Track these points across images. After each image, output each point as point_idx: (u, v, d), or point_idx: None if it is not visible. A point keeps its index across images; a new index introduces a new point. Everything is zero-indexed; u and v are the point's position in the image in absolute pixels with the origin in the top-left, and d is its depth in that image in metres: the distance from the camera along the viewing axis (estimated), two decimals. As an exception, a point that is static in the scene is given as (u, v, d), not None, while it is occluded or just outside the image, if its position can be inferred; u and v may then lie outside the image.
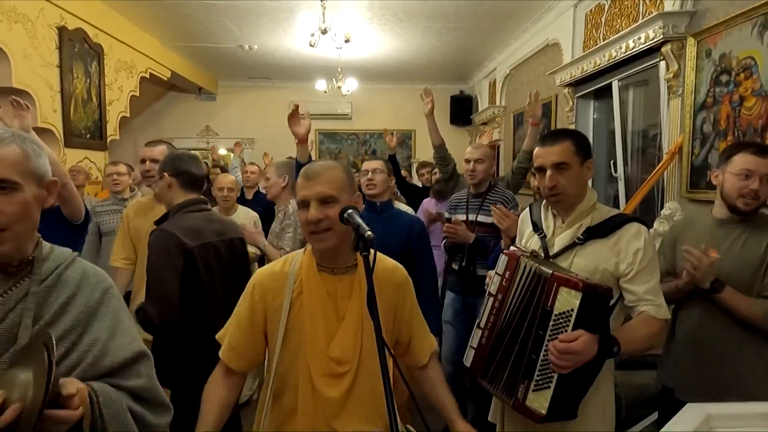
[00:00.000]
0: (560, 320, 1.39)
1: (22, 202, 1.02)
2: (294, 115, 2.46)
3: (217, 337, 1.42)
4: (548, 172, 1.57)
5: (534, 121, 3.35)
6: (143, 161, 2.51)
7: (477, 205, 2.87)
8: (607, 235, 1.53)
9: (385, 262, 1.45)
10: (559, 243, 1.60)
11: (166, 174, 2.02)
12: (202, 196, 2.11)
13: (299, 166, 2.41)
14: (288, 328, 1.32)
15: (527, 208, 1.82)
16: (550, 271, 1.40)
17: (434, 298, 2.55)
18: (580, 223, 1.58)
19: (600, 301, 1.38)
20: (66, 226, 2.32)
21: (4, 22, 3.47)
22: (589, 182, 4.30)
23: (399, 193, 4.97)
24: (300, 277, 1.35)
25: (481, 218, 2.81)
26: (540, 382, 1.42)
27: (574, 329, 1.36)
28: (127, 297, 2.58)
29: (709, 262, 1.68)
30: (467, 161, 2.89)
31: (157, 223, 2.02)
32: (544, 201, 1.71)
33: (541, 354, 1.41)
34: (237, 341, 1.38)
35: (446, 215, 3.03)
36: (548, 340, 1.39)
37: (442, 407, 1.44)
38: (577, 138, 1.61)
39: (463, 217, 2.90)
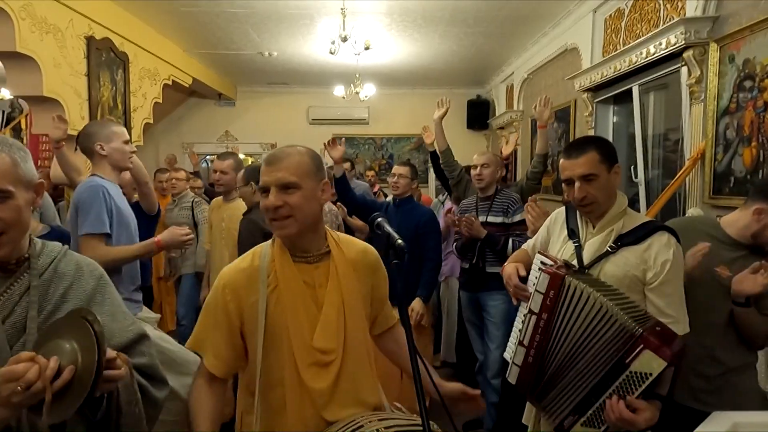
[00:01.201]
0: (634, 378, 1.34)
1: (16, 207, 1.08)
2: (332, 143, 3.20)
3: (188, 345, 1.36)
4: (577, 184, 1.56)
5: (540, 124, 3.43)
6: (215, 171, 3.34)
7: (486, 207, 3.06)
8: (638, 243, 1.53)
9: (355, 244, 1.45)
10: (589, 248, 1.60)
11: (252, 183, 2.82)
12: None
13: (335, 181, 3.10)
14: (267, 324, 1.27)
15: (562, 209, 1.79)
16: (641, 330, 1.33)
17: (435, 272, 3.08)
18: (612, 227, 1.58)
19: (678, 365, 1.35)
20: (145, 217, 2.89)
21: (36, 33, 3.58)
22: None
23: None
24: (273, 269, 1.30)
25: (490, 219, 3.01)
26: (591, 422, 1.41)
27: (644, 392, 1.33)
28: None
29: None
30: (474, 167, 3.08)
31: (245, 214, 2.91)
32: None
33: (601, 399, 1.39)
34: (219, 347, 1.31)
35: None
36: (613, 390, 1.37)
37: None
38: (601, 146, 1.60)
39: None
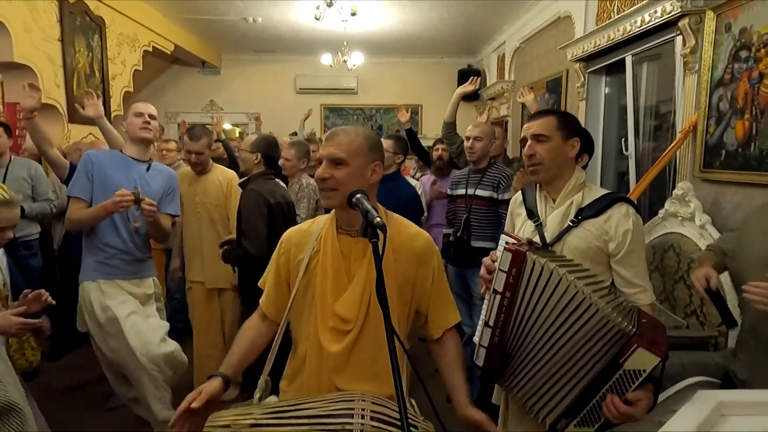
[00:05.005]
0: (628, 376, 1.31)
1: None
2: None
3: (258, 284, 1.55)
4: (528, 142, 1.61)
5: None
6: (189, 152, 3.11)
7: (476, 180, 3.05)
8: (598, 215, 1.54)
9: (407, 228, 1.46)
10: (551, 222, 1.60)
11: (258, 154, 2.77)
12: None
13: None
14: (304, 282, 1.40)
15: (519, 192, 1.80)
16: (633, 329, 1.29)
17: None
18: (571, 200, 1.59)
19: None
20: None
21: (4, -6, 3.40)
22: (598, 168, 4.16)
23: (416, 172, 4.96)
24: (321, 235, 1.41)
25: (479, 192, 3.00)
26: (585, 421, 1.39)
27: (638, 385, 1.31)
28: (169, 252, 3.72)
29: None
30: (467, 138, 3.06)
31: (243, 185, 2.80)
32: (539, 185, 1.71)
33: (595, 399, 1.36)
34: (270, 289, 1.50)
35: (448, 191, 3.22)
36: (607, 389, 1.34)
37: (450, 389, 1.45)
38: (563, 115, 1.64)
39: (463, 191, 3.09)
